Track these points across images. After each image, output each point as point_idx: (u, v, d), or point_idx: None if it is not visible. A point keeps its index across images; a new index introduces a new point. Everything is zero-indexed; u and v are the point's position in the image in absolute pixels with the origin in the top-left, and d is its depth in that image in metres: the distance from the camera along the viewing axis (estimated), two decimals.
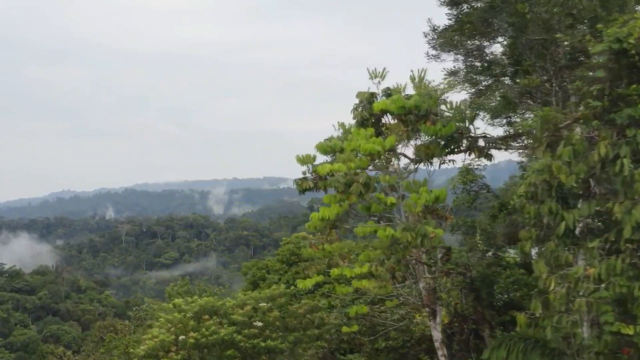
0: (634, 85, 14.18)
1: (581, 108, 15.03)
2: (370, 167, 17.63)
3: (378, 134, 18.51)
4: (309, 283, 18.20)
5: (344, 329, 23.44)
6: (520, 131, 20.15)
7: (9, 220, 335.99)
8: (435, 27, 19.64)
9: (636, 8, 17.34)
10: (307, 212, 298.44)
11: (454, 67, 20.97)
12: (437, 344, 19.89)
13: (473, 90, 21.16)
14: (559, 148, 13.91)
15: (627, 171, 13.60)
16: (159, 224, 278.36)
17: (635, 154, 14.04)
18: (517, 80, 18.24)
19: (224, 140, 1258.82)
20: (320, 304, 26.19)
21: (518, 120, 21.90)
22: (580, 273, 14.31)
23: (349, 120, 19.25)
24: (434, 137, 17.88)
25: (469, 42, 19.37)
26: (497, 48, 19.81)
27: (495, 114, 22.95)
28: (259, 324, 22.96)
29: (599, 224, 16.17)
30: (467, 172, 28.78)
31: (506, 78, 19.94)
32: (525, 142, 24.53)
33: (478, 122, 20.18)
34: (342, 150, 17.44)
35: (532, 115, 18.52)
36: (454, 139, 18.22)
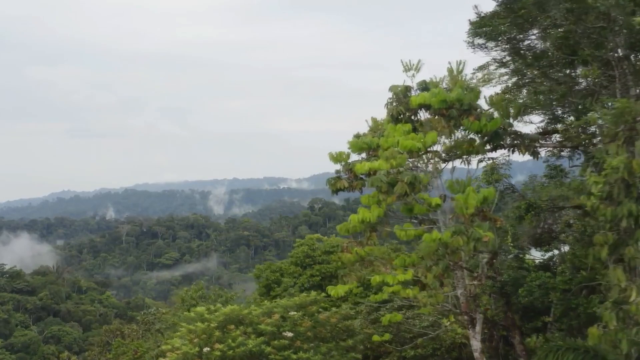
0: None
1: None
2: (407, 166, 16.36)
3: (412, 129, 17.29)
4: (341, 290, 16.87)
5: (375, 337, 22.13)
6: (560, 128, 18.93)
7: (10, 220, 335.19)
8: (482, 15, 18.34)
9: None
10: (308, 212, 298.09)
11: (500, 57, 19.61)
12: (476, 354, 18.59)
13: (511, 82, 19.84)
14: (637, 143, 12.69)
15: None
16: (160, 224, 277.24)
17: None
18: (568, 72, 16.98)
19: (224, 140, 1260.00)
20: (343, 310, 24.50)
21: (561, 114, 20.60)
22: None
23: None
24: (477, 133, 16.65)
25: (517, 31, 18.08)
26: (542, 38, 18.49)
27: (526, 110, 21.71)
28: (289, 334, 21.14)
29: None
30: (492, 171, 27.57)
31: (552, 70, 18.63)
32: (557, 139, 23.36)
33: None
34: (377, 147, 16.22)
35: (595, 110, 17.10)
36: (497, 135, 16.99)
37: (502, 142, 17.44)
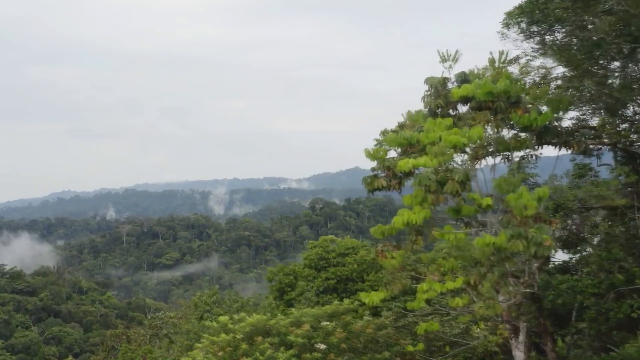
0: None
1: None
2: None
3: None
4: (376, 298, 15.50)
5: (409, 347, 20.80)
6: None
7: (10, 220, 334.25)
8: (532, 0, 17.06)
9: None
10: (309, 212, 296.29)
11: (537, 47, 18.40)
12: None
13: (555, 74, 18.61)
14: None
15: None
16: (160, 224, 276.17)
17: None
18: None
19: (224, 140, 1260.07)
20: (378, 319, 22.87)
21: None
22: None
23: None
24: (525, 128, 15.38)
25: (573, 15, 16.82)
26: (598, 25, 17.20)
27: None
28: (322, 346, 19.40)
29: None
30: (517, 169, 26.31)
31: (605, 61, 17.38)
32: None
33: None
34: (417, 143, 14.95)
35: None
36: (547, 130, 15.72)
37: (552, 138, 16.16)
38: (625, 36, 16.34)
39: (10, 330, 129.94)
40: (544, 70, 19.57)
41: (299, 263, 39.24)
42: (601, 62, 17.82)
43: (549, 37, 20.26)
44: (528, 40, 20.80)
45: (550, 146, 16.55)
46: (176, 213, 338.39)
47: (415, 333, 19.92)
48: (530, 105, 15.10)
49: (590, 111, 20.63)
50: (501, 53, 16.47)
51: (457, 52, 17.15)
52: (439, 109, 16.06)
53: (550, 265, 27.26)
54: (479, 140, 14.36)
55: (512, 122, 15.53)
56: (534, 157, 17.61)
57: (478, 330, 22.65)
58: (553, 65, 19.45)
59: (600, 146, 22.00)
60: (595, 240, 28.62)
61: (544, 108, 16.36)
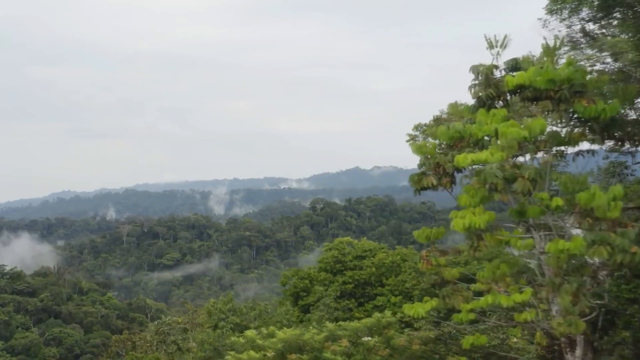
0: None
1: None
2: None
3: None
4: (421, 309, 13.81)
5: None
6: None
7: (10, 220, 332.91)
8: None
9: None
10: (309, 213, 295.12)
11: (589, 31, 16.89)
12: None
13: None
14: None
15: None
16: (161, 225, 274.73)
17: None
18: None
19: (224, 140, 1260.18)
20: (422, 332, 21.01)
21: None
22: None
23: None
24: (591, 120, 13.85)
25: None
26: None
27: None
28: None
29: None
30: (550, 167, 24.83)
31: None
32: None
33: None
34: (469, 136, 13.44)
35: None
36: (615, 122, 14.17)
37: (617, 131, 14.62)
38: None
39: (11, 331, 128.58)
40: (591, 60, 18.05)
41: (313, 266, 37.60)
42: None
43: (593, 25, 18.89)
44: (570, 29, 19.42)
45: (611, 140, 15.00)
46: (176, 213, 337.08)
47: (458, 345, 18.24)
48: (595, 95, 13.56)
49: None
50: (556, 38, 14.95)
51: (505, 37, 15.65)
52: (491, 99, 14.48)
53: None
54: (540, 133, 12.79)
55: (574, 114, 13.98)
56: (591, 152, 16.07)
57: (515, 340, 21.16)
58: (603, 54, 17.93)
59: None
60: None
61: None
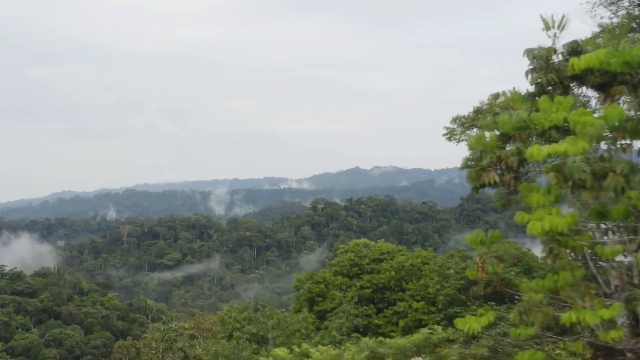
0: None
1: None
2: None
3: None
4: (476, 324, 12.12)
5: None
6: None
7: (10, 220, 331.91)
8: None
9: None
10: (310, 213, 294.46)
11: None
12: None
13: None
14: None
15: None
16: (161, 225, 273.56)
17: None
18: None
19: (224, 140, 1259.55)
20: (475, 349, 19.34)
21: None
22: None
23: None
24: None
25: None
26: None
27: None
28: None
29: None
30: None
31: None
32: None
33: None
34: (534, 127, 11.99)
35: None
36: None
37: None
38: None
39: (10, 332, 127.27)
40: None
41: (327, 270, 35.95)
42: None
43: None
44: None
45: None
46: (177, 213, 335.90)
47: None
48: None
49: None
50: (625, 17, 13.47)
51: (563, 17, 14.13)
52: (553, 85, 12.94)
53: None
54: (617, 123, 11.25)
55: None
56: None
57: (558, 351, 19.65)
58: None
59: None
60: None
61: None
